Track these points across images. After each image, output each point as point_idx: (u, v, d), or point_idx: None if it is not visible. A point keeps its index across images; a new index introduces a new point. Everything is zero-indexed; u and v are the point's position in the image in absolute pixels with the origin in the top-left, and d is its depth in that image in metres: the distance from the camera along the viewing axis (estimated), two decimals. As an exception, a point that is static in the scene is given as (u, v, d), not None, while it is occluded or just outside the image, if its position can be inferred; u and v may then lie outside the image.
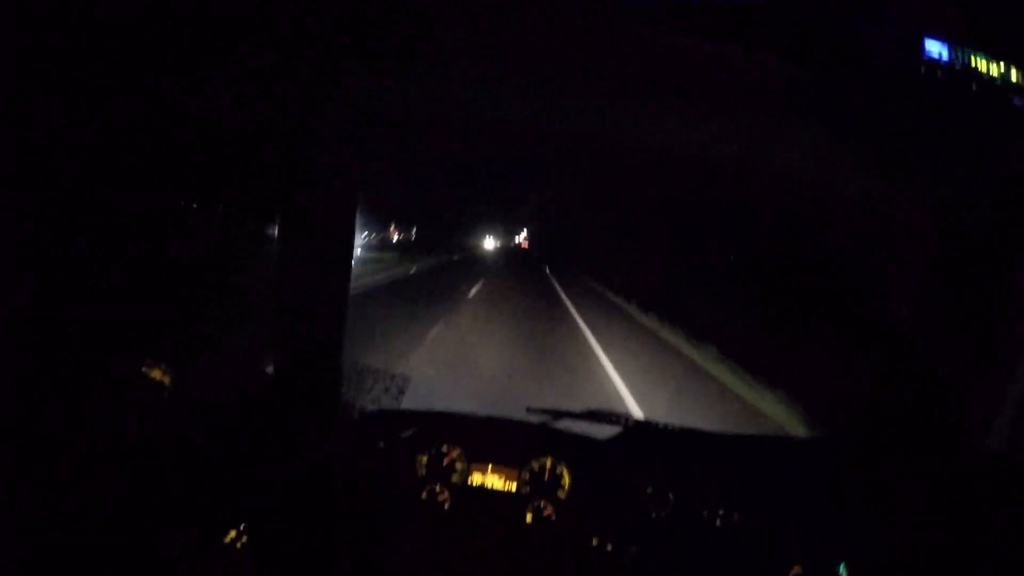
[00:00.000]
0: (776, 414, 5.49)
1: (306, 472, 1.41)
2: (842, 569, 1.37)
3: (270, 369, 1.50)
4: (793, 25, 1.25)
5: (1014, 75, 1.25)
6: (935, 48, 1.25)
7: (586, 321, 10.07)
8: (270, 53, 1.33)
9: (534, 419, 1.63)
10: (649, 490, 1.50)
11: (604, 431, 1.62)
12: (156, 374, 1.32)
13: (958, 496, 1.31)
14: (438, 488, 1.53)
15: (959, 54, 1.25)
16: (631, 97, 1.52)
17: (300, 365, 1.50)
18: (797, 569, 1.39)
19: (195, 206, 1.51)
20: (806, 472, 1.54)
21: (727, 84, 1.39)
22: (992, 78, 1.25)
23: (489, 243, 47.26)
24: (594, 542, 1.46)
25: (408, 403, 1.68)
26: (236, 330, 1.56)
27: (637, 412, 5.49)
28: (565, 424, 1.62)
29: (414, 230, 30.23)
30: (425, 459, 1.55)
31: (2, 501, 1.04)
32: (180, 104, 1.31)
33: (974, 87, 1.25)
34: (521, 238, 51.93)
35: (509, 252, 46.16)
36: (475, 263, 26.45)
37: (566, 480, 1.54)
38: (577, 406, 1.64)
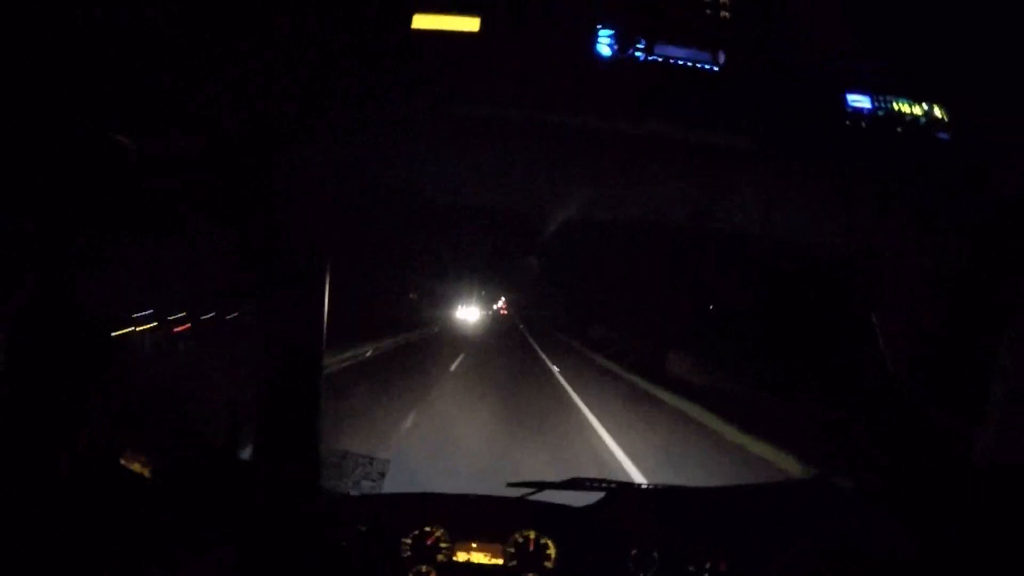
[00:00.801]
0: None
1: (288, 557, 1.41)
2: None
3: (247, 456, 1.51)
4: (732, 96, 1.32)
5: (937, 112, 1.31)
6: (857, 100, 1.32)
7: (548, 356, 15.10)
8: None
9: (515, 493, 1.63)
10: (634, 552, 1.50)
11: (587, 498, 1.62)
12: (136, 467, 1.33)
13: (949, 523, 1.32)
14: (424, 568, 1.52)
15: (881, 102, 1.32)
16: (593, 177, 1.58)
17: (278, 452, 1.51)
18: None
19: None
20: (790, 515, 1.55)
21: (676, 157, 1.47)
22: (916, 117, 1.31)
23: (466, 313, 38.78)
24: None
25: (389, 486, 1.68)
26: (214, 419, 1.56)
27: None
28: (547, 495, 1.62)
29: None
30: (409, 541, 1.54)
31: None
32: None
33: (899, 130, 1.31)
34: (500, 304, 48.98)
35: (491, 319, 41.98)
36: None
37: (551, 551, 1.54)
38: (558, 476, 1.64)
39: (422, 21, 1.26)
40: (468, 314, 37.91)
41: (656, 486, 1.67)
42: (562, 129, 1.38)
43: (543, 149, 1.46)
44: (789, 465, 5.22)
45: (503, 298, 47.79)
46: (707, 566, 1.48)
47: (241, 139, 1.38)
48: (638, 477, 4.89)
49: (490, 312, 44.88)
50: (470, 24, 1.25)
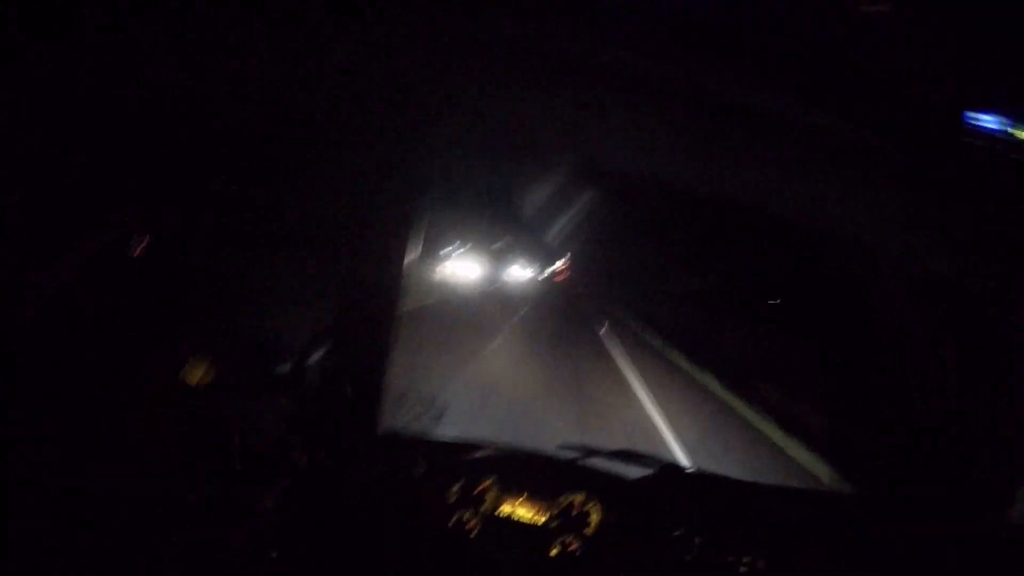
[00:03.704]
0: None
1: (334, 484, 1.44)
2: None
3: (315, 361, 1.51)
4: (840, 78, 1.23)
5: None
6: (979, 117, 1.24)
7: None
8: None
9: (567, 455, 1.66)
10: (676, 533, 1.51)
11: (635, 471, 1.65)
12: (198, 372, 1.31)
13: (981, 561, 1.32)
14: (467, 515, 1.54)
15: (1002, 124, 1.24)
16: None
17: (342, 380, 1.52)
18: None
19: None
20: (834, 526, 1.56)
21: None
22: None
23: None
24: None
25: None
26: (281, 315, 1.59)
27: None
28: (598, 462, 1.65)
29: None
30: (457, 487, 1.57)
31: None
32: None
33: (1014, 156, 1.24)
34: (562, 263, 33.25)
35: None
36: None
37: (594, 517, 1.56)
38: (610, 445, 1.67)
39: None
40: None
41: (707, 473, 1.70)
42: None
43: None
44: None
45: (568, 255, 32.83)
46: (745, 560, 1.49)
47: None
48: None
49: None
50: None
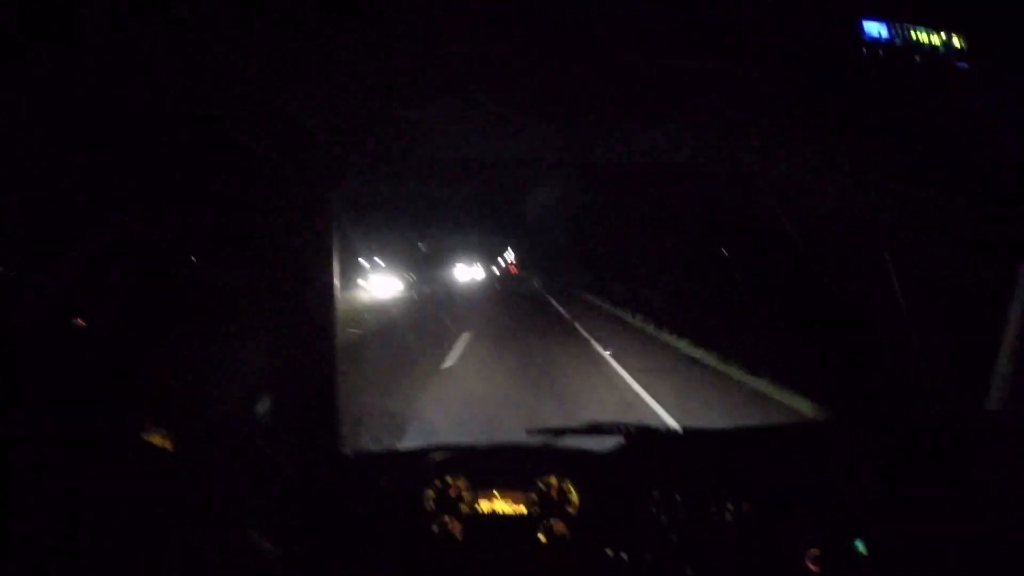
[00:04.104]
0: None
1: (312, 514, 1.42)
2: (860, 544, 1.38)
3: (264, 413, 1.52)
4: (739, 27, 1.27)
5: (956, 42, 1.26)
6: (874, 28, 1.27)
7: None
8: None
9: (536, 440, 1.66)
10: (655, 494, 1.52)
11: (606, 443, 1.64)
12: (156, 439, 1.31)
13: (964, 455, 1.35)
14: (448, 519, 1.54)
15: (898, 30, 1.27)
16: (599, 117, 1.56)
17: (296, 408, 1.52)
18: (814, 551, 1.41)
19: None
20: (811, 453, 1.57)
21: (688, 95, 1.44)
22: (935, 47, 1.27)
23: (465, 273, 29.95)
24: (609, 553, 1.48)
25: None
26: (228, 378, 1.58)
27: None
28: (567, 441, 1.65)
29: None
30: (432, 492, 1.56)
31: None
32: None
33: (917, 59, 1.27)
34: (510, 259, 36.13)
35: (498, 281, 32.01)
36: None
37: (574, 496, 1.56)
38: (577, 422, 1.66)
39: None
40: (467, 274, 29.91)
41: (675, 429, 1.71)
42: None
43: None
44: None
45: (510, 252, 35.24)
46: (729, 507, 1.50)
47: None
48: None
49: (490, 273, 34.85)
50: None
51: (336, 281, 1.56)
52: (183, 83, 1.23)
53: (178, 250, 1.68)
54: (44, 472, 1.12)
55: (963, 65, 1.27)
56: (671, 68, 1.36)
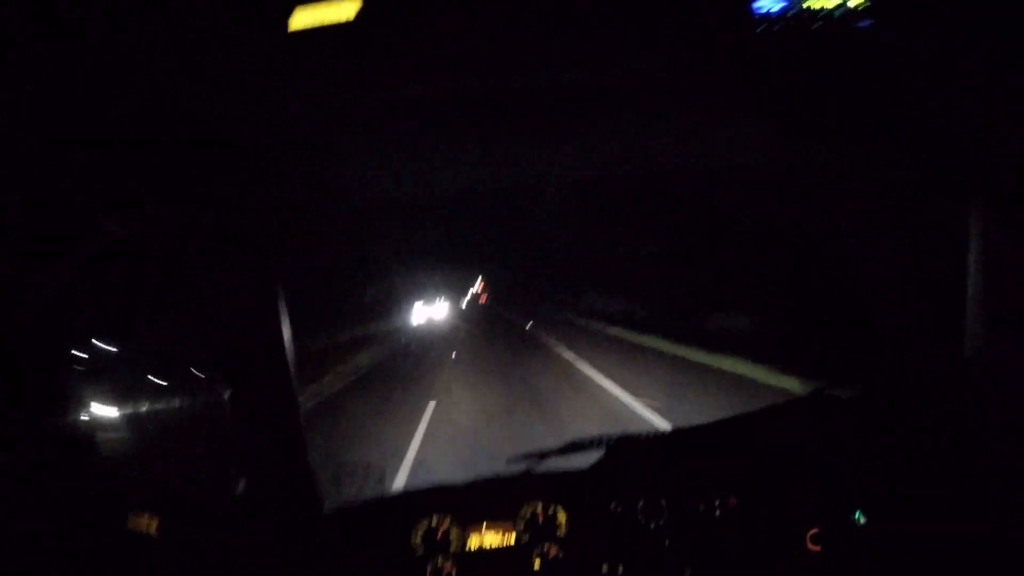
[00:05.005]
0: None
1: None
2: (859, 516, 1.38)
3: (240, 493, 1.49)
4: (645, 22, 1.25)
5: (851, 2, 1.21)
6: (764, 3, 1.23)
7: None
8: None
9: (517, 468, 1.65)
10: (641, 502, 1.52)
11: (587, 459, 1.64)
12: (142, 523, 1.31)
13: (964, 455, 1.34)
14: (439, 560, 1.53)
15: (791, 2, 1.22)
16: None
17: (271, 485, 1.49)
18: (814, 530, 1.41)
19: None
20: (796, 432, 1.56)
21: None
22: (831, 11, 1.22)
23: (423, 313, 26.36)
24: (604, 569, 1.48)
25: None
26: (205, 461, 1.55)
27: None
28: (548, 464, 1.64)
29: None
30: (419, 536, 1.55)
31: None
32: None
33: (816, 25, 1.23)
34: (477, 288, 34.29)
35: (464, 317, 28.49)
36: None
37: (561, 518, 1.56)
38: (557, 443, 1.66)
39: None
40: (423, 315, 26.18)
41: (653, 432, 1.68)
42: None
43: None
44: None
45: (480, 280, 34.28)
46: (716, 503, 1.50)
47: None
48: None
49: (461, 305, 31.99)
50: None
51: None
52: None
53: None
54: (44, 472, 1.13)
55: (865, 24, 1.23)
56: (575, 82, 1.36)
